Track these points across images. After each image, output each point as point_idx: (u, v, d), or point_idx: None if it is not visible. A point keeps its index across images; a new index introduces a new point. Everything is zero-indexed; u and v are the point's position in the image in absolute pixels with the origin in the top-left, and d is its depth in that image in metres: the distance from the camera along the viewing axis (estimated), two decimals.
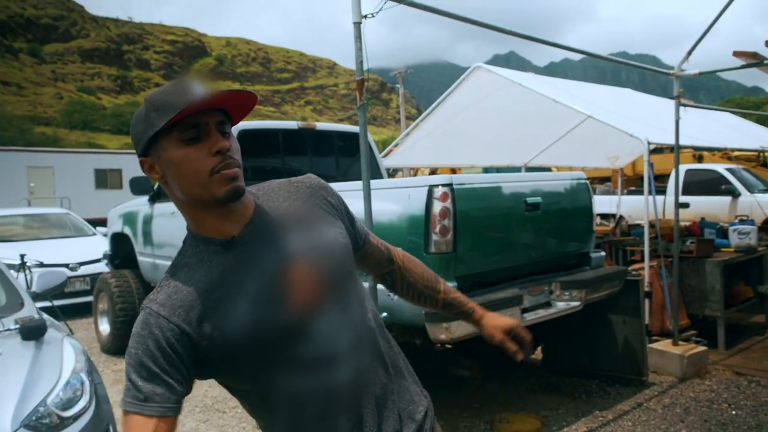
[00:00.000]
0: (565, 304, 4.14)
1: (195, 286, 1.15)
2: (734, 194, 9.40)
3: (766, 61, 4.68)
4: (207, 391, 5.05)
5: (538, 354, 5.54)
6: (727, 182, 9.58)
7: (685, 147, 6.04)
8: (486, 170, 11.66)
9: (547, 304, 4.10)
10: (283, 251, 1.19)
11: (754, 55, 4.67)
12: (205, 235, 1.20)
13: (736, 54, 4.75)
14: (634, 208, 9.67)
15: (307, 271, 1.19)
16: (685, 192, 9.78)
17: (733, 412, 4.24)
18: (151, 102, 1.15)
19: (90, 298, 7.10)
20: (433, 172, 12.14)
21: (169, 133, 1.12)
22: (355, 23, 3.14)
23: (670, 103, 5.33)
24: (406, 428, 1.29)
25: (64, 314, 7.20)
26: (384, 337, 1.33)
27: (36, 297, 3.45)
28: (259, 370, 1.17)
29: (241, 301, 1.14)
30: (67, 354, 2.83)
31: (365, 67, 3.19)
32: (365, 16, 3.15)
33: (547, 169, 10.17)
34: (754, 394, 4.56)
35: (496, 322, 1.56)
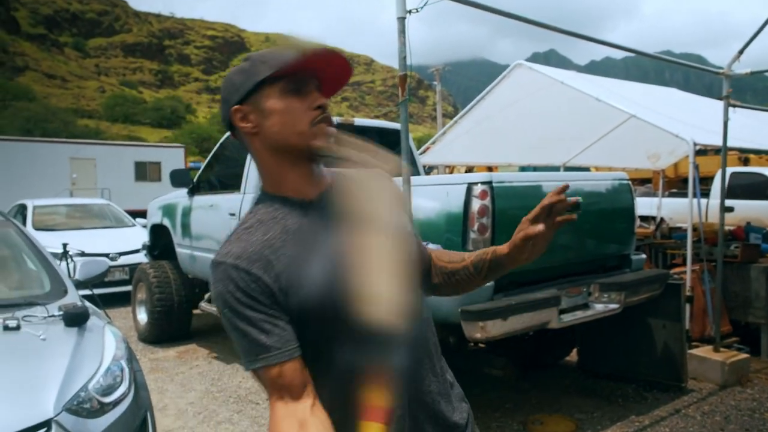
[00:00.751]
0: (603, 306, 4.07)
1: (270, 241, 1.14)
2: None
3: None
4: (241, 383, 5.11)
5: (573, 356, 5.46)
6: None
7: (733, 149, 5.87)
8: (522, 169, 11.52)
9: (585, 306, 4.03)
10: (356, 223, 1.18)
11: None
12: (281, 194, 1.20)
13: None
14: (675, 210, 9.46)
15: (383, 247, 1.17)
16: (730, 195, 9.49)
17: None
18: (256, 56, 1.20)
19: (129, 288, 7.25)
20: (470, 170, 12.05)
21: (272, 83, 1.16)
22: (399, 18, 3.13)
23: (717, 104, 5.19)
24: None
25: (103, 303, 7.40)
26: (435, 336, 1.32)
27: (78, 285, 3.53)
28: (320, 335, 1.14)
29: (317, 261, 1.13)
30: (108, 341, 2.88)
31: (408, 63, 3.17)
32: (410, 11, 3.13)
33: (586, 169, 10.00)
34: None
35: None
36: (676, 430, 4.01)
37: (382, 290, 1.09)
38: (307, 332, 1.13)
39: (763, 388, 4.77)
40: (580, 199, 1.23)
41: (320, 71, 1.19)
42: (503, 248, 1.32)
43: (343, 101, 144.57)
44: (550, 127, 7.94)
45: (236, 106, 1.19)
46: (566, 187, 1.23)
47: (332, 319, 1.12)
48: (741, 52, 4.84)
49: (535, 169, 10.54)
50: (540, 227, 1.24)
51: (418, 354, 1.23)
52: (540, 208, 1.24)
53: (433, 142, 8.20)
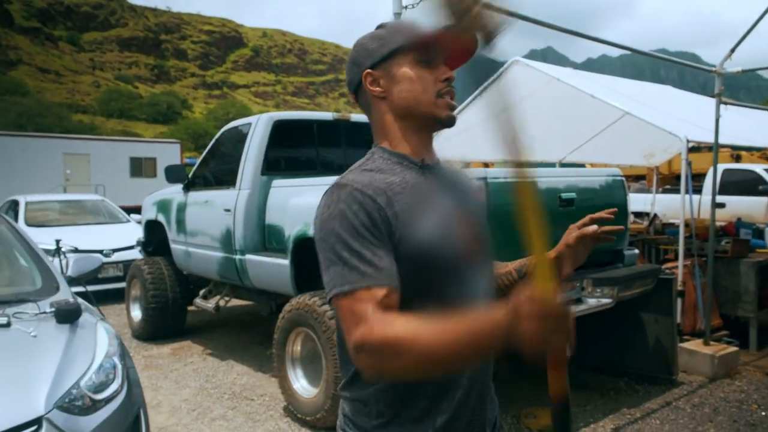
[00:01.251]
0: (596, 300, 4.10)
1: (391, 185, 1.19)
2: None
3: None
4: (236, 379, 5.13)
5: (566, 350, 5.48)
6: (765, 183, 9.35)
7: (725, 146, 5.90)
8: None
9: (579, 301, 4.06)
10: (460, 201, 1.28)
11: None
12: (400, 152, 1.27)
13: None
14: (669, 206, 9.49)
15: (474, 226, 1.28)
16: (722, 192, 9.53)
17: (763, 413, 4.16)
18: (392, 24, 1.29)
19: (123, 285, 7.23)
20: (466, 165, 12.06)
21: (405, 53, 1.24)
22: (395, 14, 3.14)
23: (710, 102, 5.22)
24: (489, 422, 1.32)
25: (96, 299, 7.39)
26: None
27: (71, 281, 3.52)
28: (413, 286, 1.15)
29: (432, 215, 1.19)
30: (100, 338, 2.88)
31: None
32: (406, 7, 3.14)
33: (582, 166, 10.03)
34: None
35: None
36: (667, 422, 4.05)
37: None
38: (408, 276, 1.14)
39: (751, 380, 4.81)
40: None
41: (449, 44, 1.23)
42: (550, 253, 1.36)
43: (341, 97, 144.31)
44: (546, 124, 7.95)
45: (368, 70, 1.27)
46: (615, 211, 1.36)
47: (440, 269, 1.17)
48: (732, 50, 4.87)
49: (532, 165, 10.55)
50: (595, 227, 1.36)
51: None
52: (589, 218, 1.38)
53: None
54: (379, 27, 1.29)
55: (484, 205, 1.44)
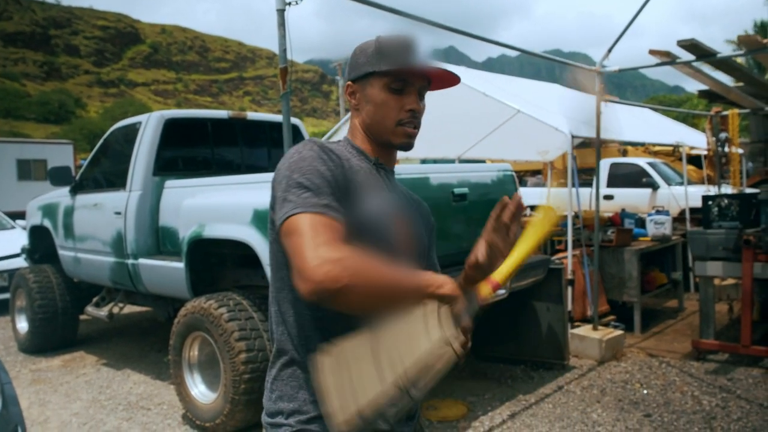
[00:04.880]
0: None
1: (348, 161, 1.32)
2: (654, 187, 9.84)
3: (677, 60, 4.91)
4: (131, 389, 4.93)
5: None
6: (648, 175, 10.01)
7: (607, 141, 6.28)
8: (423, 162, 11.77)
9: None
10: (403, 206, 1.40)
11: (667, 53, 4.89)
12: (361, 149, 1.40)
13: (652, 53, 4.96)
14: (563, 199, 9.98)
15: (410, 231, 1.37)
16: (610, 184, 10.18)
17: (645, 392, 4.47)
18: (381, 44, 1.35)
19: (7, 295, 6.79)
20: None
21: (381, 76, 1.34)
22: (278, 10, 3.13)
23: (594, 99, 5.52)
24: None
25: None
26: None
27: None
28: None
29: (376, 200, 1.30)
30: None
31: (288, 55, 3.17)
32: (289, 4, 3.14)
33: (482, 161, 10.36)
34: (663, 374, 4.82)
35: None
36: (559, 405, 4.26)
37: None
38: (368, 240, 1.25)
39: (635, 360, 5.16)
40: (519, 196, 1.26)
41: (432, 76, 1.37)
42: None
43: (246, 95, 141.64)
44: (445, 122, 8.14)
45: (349, 82, 1.40)
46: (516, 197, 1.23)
47: (369, 244, 1.21)
48: (610, 50, 5.19)
49: (435, 161, 10.79)
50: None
51: None
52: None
53: (329, 138, 8.21)
54: (376, 40, 1.37)
55: (430, 226, 1.52)
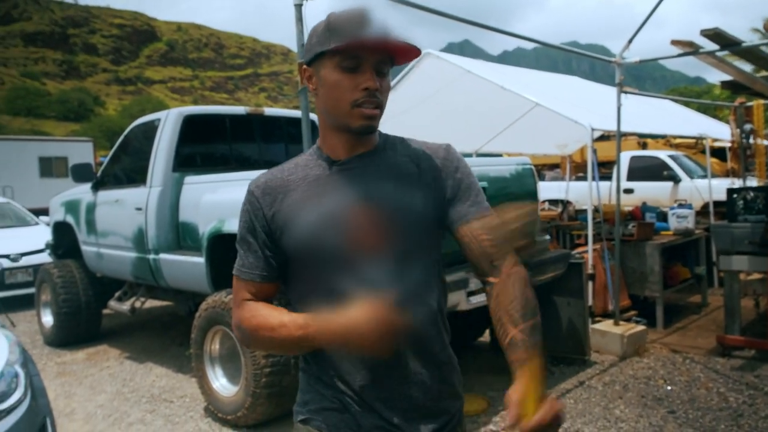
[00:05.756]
0: None
1: (287, 182, 1.31)
2: (675, 180, 9.73)
3: (701, 50, 4.83)
4: (154, 382, 4.98)
5: (486, 336, 5.64)
6: (669, 168, 9.89)
7: (628, 134, 6.21)
8: None
9: None
10: (366, 193, 1.27)
11: (690, 44, 4.81)
12: (322, 149, 1.35)
13: (674, 43, 4.88)
14: (582, 193, 9.88)
15: (376, 221, 1.25)
16: (630, 178, 10.07)
17: (668, 388, 4.41)
18: (330, 21, 1.25)
19: (33, 290, 6.89)
20: None
21: (332, 55, 1.23)
22: (296, 5, 3.13)
23: (614, 91, 5.46)
24: (423, 424, 1.30)
25: (6, 306, 7.02)
26: (435, 326, 1.33)
27: None
28: (303, 282, 1.31)
29: (310, 212, 1.26)
30: (0, 346, 2.74)
31: None
32: None
33: (499, 155, 10.31)
34: (687, 370, 4.76)
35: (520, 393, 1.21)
36: (580, 401, 4.23)
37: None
38: (296, 269, 1.31)
39: (658, 357, 5.10)
40: None
41: (387, 48, 1.24)
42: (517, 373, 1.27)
43: (261, 92, 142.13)
44: (462, 116, 8.12)
45: (304, 66, 1.32)
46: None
47: (311, 266, 1.27)
48: (630, 41, 5.11)
49: None
50: None
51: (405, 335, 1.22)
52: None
53: None
54: (327, 18, 1.26)
55: (440, 184, 1.33)
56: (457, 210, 1.32)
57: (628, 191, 9.71)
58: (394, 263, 1.24)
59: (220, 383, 4.10)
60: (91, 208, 5.70)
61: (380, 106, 1.26)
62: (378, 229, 1.23)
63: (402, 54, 1.27)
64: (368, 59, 1.22)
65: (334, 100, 1.24)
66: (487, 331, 5.59)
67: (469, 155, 9.20)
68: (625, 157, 10.25)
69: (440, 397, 1.32)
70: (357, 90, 1.22)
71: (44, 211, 9.77)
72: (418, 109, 7.71)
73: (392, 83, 7.56)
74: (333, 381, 1.29)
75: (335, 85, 1.23)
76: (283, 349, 1.31)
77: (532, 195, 4.67)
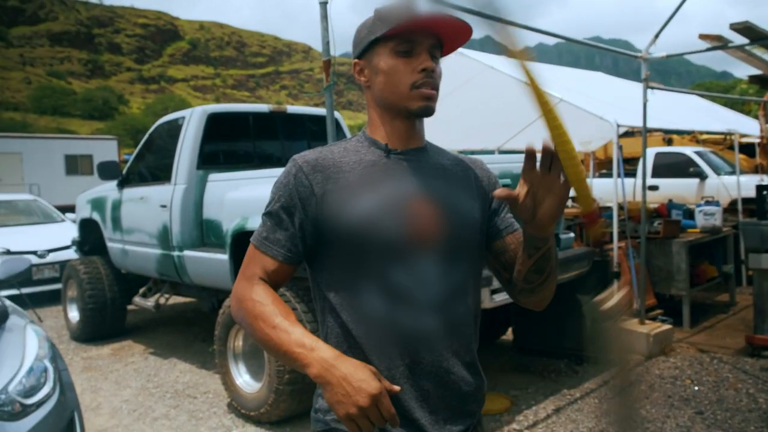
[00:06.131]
0: None
1: (340, 163, 1.27)
2: (702, 176, 9.56)
3: (730, 44, 4.74)
4: (178, 377, 5.03)
5: (509, 334, 5.61)
6: (695, 165, 9.73)
7: (654, 129, 6.12)
8: (461, 153, 11.68)
9: None
10: (424, 186, 1.27)
11: (718, 38, 4.72)
12: (374, 137, 1.32)
13: (702, 37, 4.80)
14: (605, 190, 9.76)
15: (434, 215, 1.24)
16: (655, 174, 9.91)
17: (696, 388, 4.35)
18: (379, 12, 1.27)
19: (59, 286, 7.00)
20: None
21: (385, 42, 1.24)
22: (321, 3, 3.12)
23: (640, 87, 5.39)
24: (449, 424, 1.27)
25: (33, 302, 7.14)
26: (471, 329, 1.32)
27: (0, 285, 3.39)
28: (348, 269, 1.24)
29: (369, 197, 1.22)
30: (29, 341, 2.78)
31: (332, 49, 3.17)
32: None
33: (521, 153, 10.23)
34: (715, 370, 4.68)
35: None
36: (605, 400, 4.18)
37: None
38: (339, 259, 1.24)
39: (685, 356, 5.02)
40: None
41: (439, 28, 1.25)
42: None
43: (282, 89, 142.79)
44: (484, 112, 8.07)
45: (355, 60, 1.31)
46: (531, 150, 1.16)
47: (361, 253, 1.21)
48: (657, 36, 5.03)
49: (473, 152, 10.71)
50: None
51: (442, 333, 1.23)
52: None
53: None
54: (374, 12, 1.29)
55: (484, 192, 1.36)
56: (503, 219, 1.38)
57: (653, 188, 9.57)
58: (443, 260, 1.24)
59: (244, 380, 4.12)
60: (117, 206, 5.77)
61: (437, 88, 1.27)
62: (436, 224, 1.24)
63: (453, 34, 1.27)
64: (422, 42, 1.24)
65: (392, 85, 1.25)
66: (510, 330, 5.56)
67: (491, 152, 9.13)
68: (650, 154, 10.10)
69: (468, 399, 1.30)
70: (415, 72, 1.23)
71: (70, 208, 9.93)
72: (439, 106, 7.56)
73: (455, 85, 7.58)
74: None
75: (392, 71, 1.24)
76: (269, 349, 1.21)
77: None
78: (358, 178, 1.24)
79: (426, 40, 1.24)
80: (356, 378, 1.10)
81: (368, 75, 1.29)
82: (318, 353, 1.13)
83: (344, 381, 1.10)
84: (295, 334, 1.16)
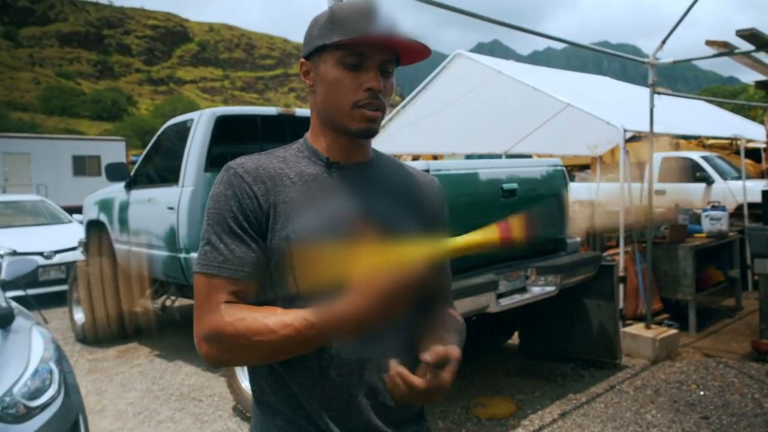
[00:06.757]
0: (540, 289, 4.18)
1: (282, 175, 1.16)
2: (708, 181, 9.53)
3: (736, 51, 4.72)
4: (183, 380, 5.04)
5: (515, 339, 5.60)
6: (702, 170, 9.70)
7: (661, 134, 6.10)
8: (468, 157, 11.69)
9: (523, 290, 4.13)
10: (369, 203, 1.19)
11: (725, 44, 4.71)
12: (315, 147, 1.22)
13: (709, 43, 4.79)
14: (612, 195, 9.76)
15: (379, 233, 1.12)
16: (662, 179, 9.88)
17: (701, 393, 4.33)
18: (333, 12, 1.15)
19: (65, 287, 7.03)
20: (416, 158, 12.14)
21: (334, 50, 1.14)
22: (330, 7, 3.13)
23: (647, 92, 5.38)
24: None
25: (39, 303, 7.16)
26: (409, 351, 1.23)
27: (6, 286, 3.40)
28: (286, 285, 1.13)
29: (313, 212, 1.13)
30: (35, 343, 2.79)
31: None
32: None
33: (528, 157, 10.22)
34: (721, 375, 4.66)
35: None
36: (611, 405, 4.17)
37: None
38: (285, 269, 1.12)
39: (691, 361, 5.00)
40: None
41: (395, 46, 1.15)
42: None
43: (291, 92, 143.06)
44: (492, 116, 8.08)
45: (302, 59, 1.21)
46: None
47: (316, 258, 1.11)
48: (664, 41, 5.02)
49: (480, 156, 10.71)
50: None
51: (388, 351, 1.17)
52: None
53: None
54: (329, 9, 1.17)
55: (431, 215, 1.31)
56: (441, 288, 1.35)
57: (660, 193, 9.54)
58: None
59: (249, 383, 4.13)
60: (124, 207, 5.79)
61: (382, 109, 1.16)
62: (381, 243, 1.11)
63: (410, 53, 1.17)
64: (373, 57, 1.13)
65: (333, 99, 1.15)
66: (516, 334, 5.55)
67: (499, 156, 9.14)
68: (656, 158, 10.07)
69: (403, 420, 1.23)
70: (359, 90, 1.13)
71: (77, 209, 9.97)
72: (448, 110, 7.68)
73: (422, 85, 7.62)
74: (294, 414, 1.17)
75: (336, 83, 1.14)
76: (278, 354, 1.07)
77: (563, 197, 4.61)
78: (300, 193, 1.15)
79: (378, 55, 1.13)
80: (364, 301, 1.01)
81: (313, 79, 1.19)
82: (324, 319, 1.03)
83: (361, 311, 1.01)
84: (297, 322, 1.04)
